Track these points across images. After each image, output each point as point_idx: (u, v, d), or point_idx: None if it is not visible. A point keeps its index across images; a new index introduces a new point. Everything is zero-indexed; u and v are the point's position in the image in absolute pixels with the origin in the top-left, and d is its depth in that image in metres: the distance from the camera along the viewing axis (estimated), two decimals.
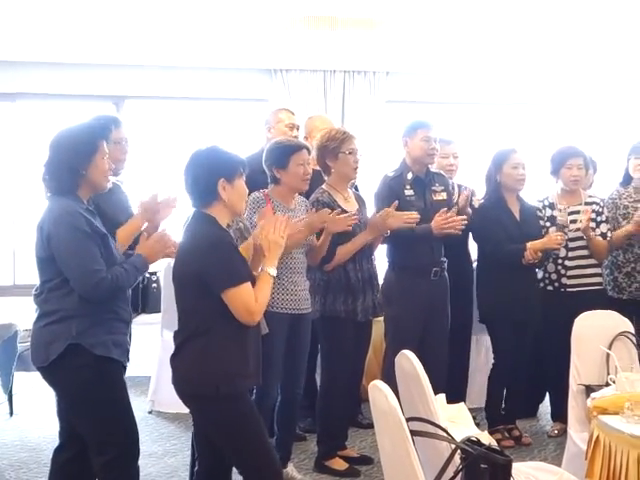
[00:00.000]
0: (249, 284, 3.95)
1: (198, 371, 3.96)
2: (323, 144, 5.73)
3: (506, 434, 6.38)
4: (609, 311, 5.34)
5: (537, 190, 6.75)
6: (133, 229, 4.71)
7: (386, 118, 8.98)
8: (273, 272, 4.07)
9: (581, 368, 5.02)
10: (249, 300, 3.92)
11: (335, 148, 5.68)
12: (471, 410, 6.35)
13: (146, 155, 8.55)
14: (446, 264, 6.12)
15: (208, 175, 4.02)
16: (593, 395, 4.37)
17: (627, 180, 6.74)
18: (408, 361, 4.01)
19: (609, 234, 6.43)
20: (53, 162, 4.17)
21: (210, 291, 3.91)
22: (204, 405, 4.00)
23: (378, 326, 6.36)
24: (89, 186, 4.25)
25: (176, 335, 4.10)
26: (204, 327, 3.96)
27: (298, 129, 6.72)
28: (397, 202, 5.77)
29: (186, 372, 4.01)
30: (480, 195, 6.61)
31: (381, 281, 6.09)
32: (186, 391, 4.04)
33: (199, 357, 3.96)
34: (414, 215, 5.77)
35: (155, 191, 4.76)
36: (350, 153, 5.68)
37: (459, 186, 6.68)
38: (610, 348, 4.99)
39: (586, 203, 6.46)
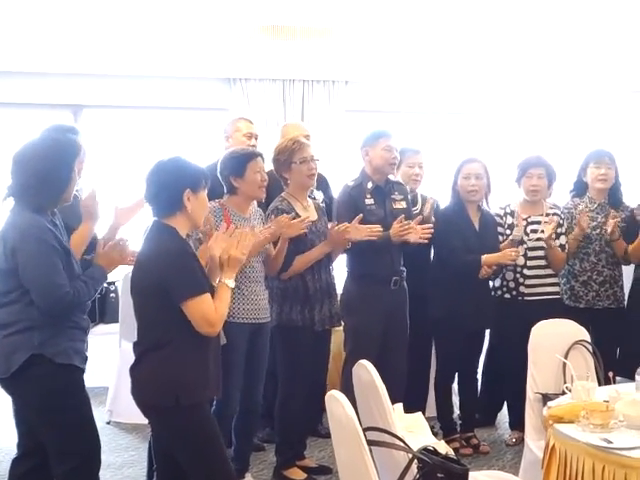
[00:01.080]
0: (209, 295, 3.95)
1: (158, 381, 3.95)
2: (275, 157, 5.77)
3: (464, 442, 6.42)
4: (566, 320, 5.38)
5: (503, 198, 6.79)
6: (82, 234, 4.67)
7: (345, 127, 8.99)
8: (231, 284, 4.08)
9: (538, 377, 5.06)
10: (209, 311, 3.92)
11: (286, 160, 5.70)
12: (431, 419, 6.43)
13: (105, 165, 8.50)
14: (405, 273, 6.13)
15: (174, 185, 4.02)
16: (549, 404, 4.40)
17: (580, 190, 6.78)
18: (366, 371, 4.03)
19: (567, 246, 6.48)
20: (40, 178, 4.13)
21: (171, 302, 3.90)
22: (163, 415, 3.99)
23: (339, 336, 6.37)
24: (62, 201, 4.26)
25: (136, 346, 4.08)
26: (165, 338, 3.94)
27: (257, 138, 6.74)
28: (362, 215, 5.79)
29: (146, 382, 4.00)
30: (444, 204, 6.65)
31: (340, 291, 6.11)
32: (146, 401, 4.03)
33: (160, 367, 3.95)
34: (377, 228, 5.80)
35: (93, 188, 4.74)
36: (302, 162, 5.69)
37: (422, 196, 6.70)
38: (567, 357, 5.03)
39: (547, 214, 6.50)
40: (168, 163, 4.09)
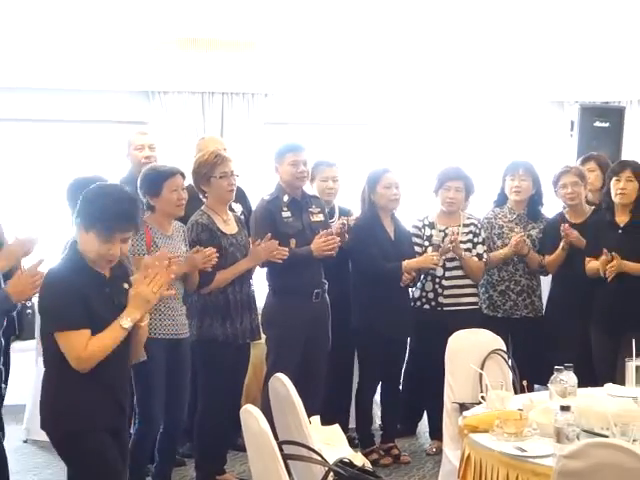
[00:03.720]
0: (81, 332, 3.69)
1: (41, 406, 3.87)
2: (195, 170, 5.73)
3: (383, 452, 6.42)
4: (482, 329, 5.42)
5: (419, 209, 6.84)
6: None
7: (265, 139, 8.98)
8: (127, 325, 3.76)
9: (455, 386, 5.08)
10: (77, 347, 3.69)
11: (206, 173, 5.67)
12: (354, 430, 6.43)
13: (16, 179, 8.42)
14: (326, 286, 6.14)
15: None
16: (465, 413, 4.43)
17: (502, 200, 6.86)
18: (281, 384, 4.02)
19: (485, 255, 6.54)
20: None
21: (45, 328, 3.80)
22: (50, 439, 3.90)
23: (259, 349, 6.36)
24: None
25: None
26: (47, 363, 3.90)
27: (152, 148, 6.72)
28: (270, 235, 5.79)
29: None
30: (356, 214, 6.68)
31: (260, 304, 6.09)
32: None
33: (42, 392, 3.89)
34: (284, 251, 5.81)
35: (34, 237, 4.70)
36: (222, 177, 5.67)
37: (340, 209, 6.72)
38: (483, 366, 5.05)
39: (464, 225, 6.56)
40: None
